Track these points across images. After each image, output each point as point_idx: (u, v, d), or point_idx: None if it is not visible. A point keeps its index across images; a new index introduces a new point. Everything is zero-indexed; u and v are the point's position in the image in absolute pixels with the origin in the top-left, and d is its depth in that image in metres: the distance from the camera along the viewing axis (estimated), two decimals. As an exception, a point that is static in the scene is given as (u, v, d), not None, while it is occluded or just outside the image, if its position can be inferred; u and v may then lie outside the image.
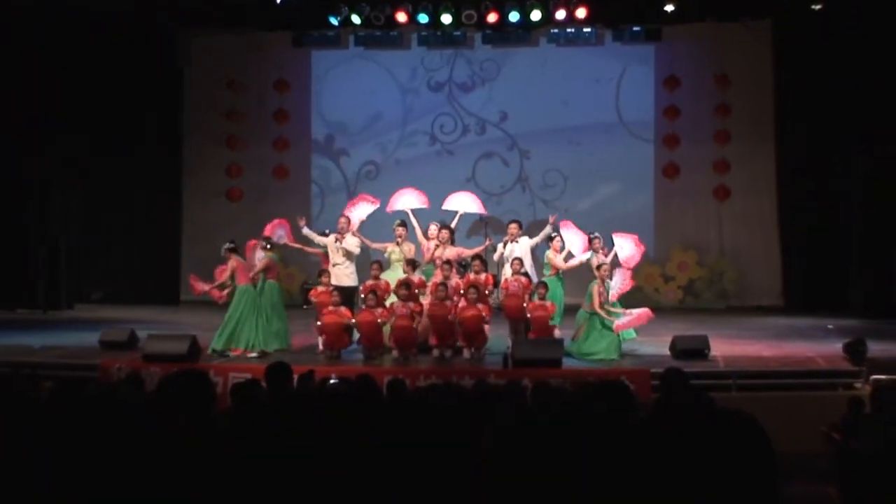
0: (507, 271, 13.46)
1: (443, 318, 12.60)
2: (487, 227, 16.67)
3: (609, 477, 3.87)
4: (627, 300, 13.67)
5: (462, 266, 13.93)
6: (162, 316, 17.56)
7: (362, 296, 13.04)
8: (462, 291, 12.80)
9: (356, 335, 12.83)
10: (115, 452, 4.18)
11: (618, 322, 12.78)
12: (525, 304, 12.97)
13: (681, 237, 19.68)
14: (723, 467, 3.57)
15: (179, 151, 20.59)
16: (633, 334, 13.39)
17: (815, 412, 10.38)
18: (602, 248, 13.63)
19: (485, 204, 15.70)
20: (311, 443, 4.35)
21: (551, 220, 13.91)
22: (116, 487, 4.10)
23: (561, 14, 18.55)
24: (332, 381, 7.93)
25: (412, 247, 13.90)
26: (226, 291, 13.36)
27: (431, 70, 20.30)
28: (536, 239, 13.87)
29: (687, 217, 19.72)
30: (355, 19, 18.99)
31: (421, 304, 12.85)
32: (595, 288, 12.88)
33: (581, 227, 14.14)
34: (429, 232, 13.91)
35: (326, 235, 14.20)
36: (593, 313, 12.87)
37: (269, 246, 13.51)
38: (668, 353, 12.83)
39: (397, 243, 13.88)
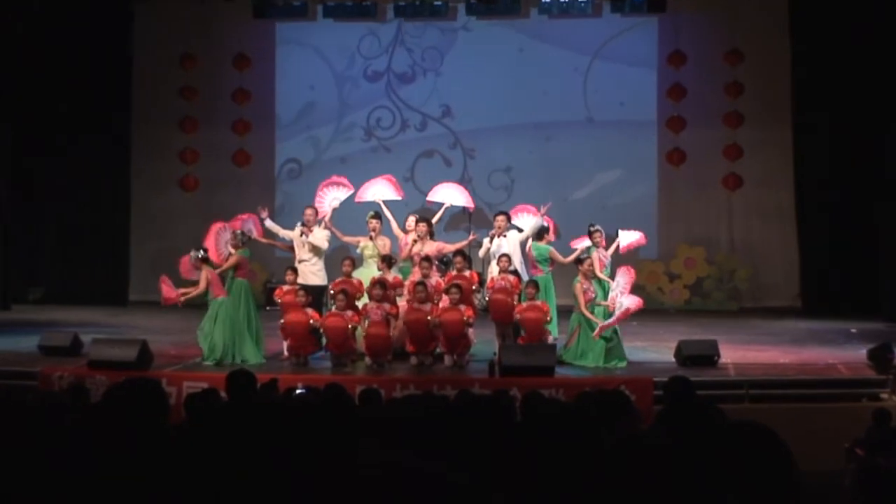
0: (493, 269, 13.42)
1: (421, 321, 12.57)
2: (470, 219, 16.66)
3: (603, 500, 3.87)
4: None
5: (443, 263, 13.87)
6: (109, 318, 17.53)
7: (331, 293, 13.00)
8: (443, 291, 12.80)
9: (325, 340, 12.79)
10: (54, 471, 4.16)
11: (597, 329, 12.61)
12: (514, 305, 12.95)
13: (687, 231, 19.71)
14: (736, 489, 3.46)
15: (128, 135, 20.45)
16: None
17: (837, 426, 10.48)
18: (602, 242, 13.61)
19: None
20: (274, 459, 4.35)
21: (543, 209, 13.81)
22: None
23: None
24: (298, 391, 7.94)
25: (387, 241, 13.84)
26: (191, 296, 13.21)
27: (370, 58, 20.32)
28: (526, 232, 13.73)
29: (694, 209, 19.75)
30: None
31: (397, 306, 12.82)
32: (578, 287, 12.82)
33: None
34: (406, 225, 13.89)
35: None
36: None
37: (242, 241, 13.28)
38: (672, 359, 12.89)
39: (371, 237, 13.79)
